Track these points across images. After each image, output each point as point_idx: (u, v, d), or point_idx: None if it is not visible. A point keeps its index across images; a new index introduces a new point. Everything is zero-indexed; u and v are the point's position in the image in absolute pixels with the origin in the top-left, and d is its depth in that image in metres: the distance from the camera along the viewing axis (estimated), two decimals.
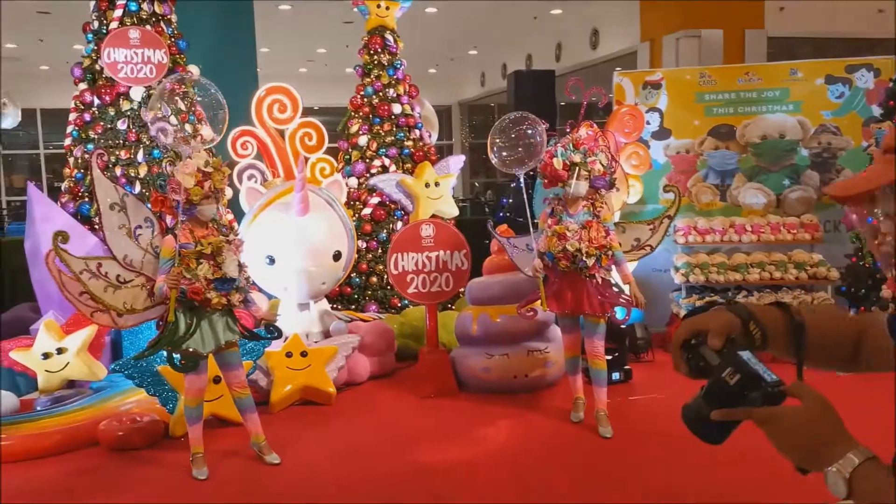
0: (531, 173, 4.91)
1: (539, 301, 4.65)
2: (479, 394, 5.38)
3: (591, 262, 4.47)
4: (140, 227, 4.13)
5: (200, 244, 3.91)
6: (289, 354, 5.22)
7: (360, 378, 5.70)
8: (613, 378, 5.44)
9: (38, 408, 5.12)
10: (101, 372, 5.34)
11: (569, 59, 14.40)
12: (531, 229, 4.80)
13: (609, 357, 5.28)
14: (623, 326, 5.53)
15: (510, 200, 7.26)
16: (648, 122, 6.88)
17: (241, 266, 4.03)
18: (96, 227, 6.11)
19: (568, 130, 4.69)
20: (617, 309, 4.63)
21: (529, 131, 4.78)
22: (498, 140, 4.82)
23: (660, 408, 4.99)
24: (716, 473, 3.89)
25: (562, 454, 4.31)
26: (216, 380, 4.70)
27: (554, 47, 14.79)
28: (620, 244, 4.69)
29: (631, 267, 5.22)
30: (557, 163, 4.51)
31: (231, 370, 4.23)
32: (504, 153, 4.82)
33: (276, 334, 4.33)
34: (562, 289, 4.59)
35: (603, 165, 4.51)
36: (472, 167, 20.35)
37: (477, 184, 20.60)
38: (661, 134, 7.07)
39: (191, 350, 3.97)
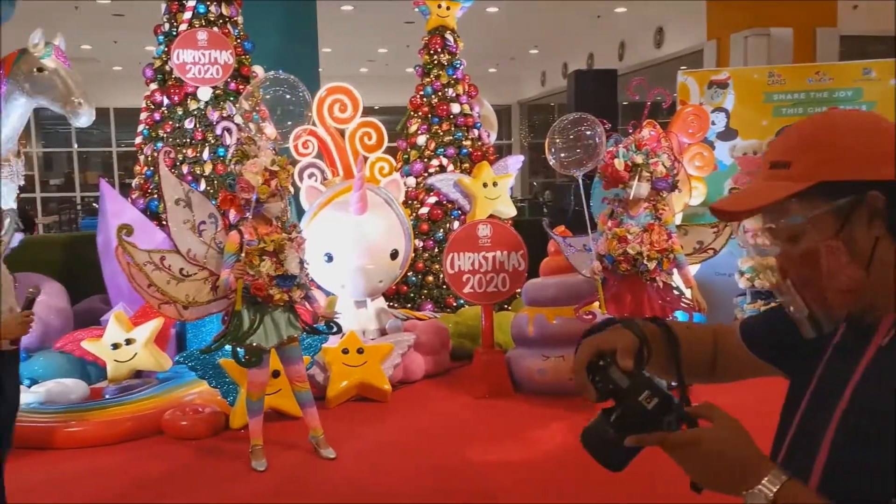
0: (589, 174, 4.87)
1: (597, 303, 4.61)
2: (533, 395, 5.35)
3: (652, 265, 4.41)
4: (204, 222, 4.24)
5: (264, 241, 4.00)
6: (345, 351, 5.29)
7: (415, 376, 5.73)
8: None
9: (107, 396, 5.32)
10: (167, 363, 5.51)
11: (632, 59, 14.19)
12: (589, 230, 4.76)
13: None
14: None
15: (572, 200, 7.20)
16: (714, 123, 6.74)
17: (302, 263, 4.10)
18: (164, 222, 6.30)
19: (630, 131, 4.63)
20: (677, 314, 4.56)
21: (588, 132, 4.74)
22: (557, 140, 4.80)
23: None
24: None
25: None
26: (275, 374, 4.79)
27: (617, 46, 14.59)
28: (682, 247, 4.61)
29: (693, 270, 5.14)
30: (619, 164, 4.46)
31: (292, 364, 4.31)
32: (562, 154, 4.80)
33: (335, 329, 4.40)
34: (621, 292, 4.55)
35: (665, 167, 4.44)
36: (531, 167, 20.24)
37: (535, 184, 20.47)
38: (727, 134, 6.91)
39: (254, 345, 4.06)
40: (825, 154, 1.01)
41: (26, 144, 17.52)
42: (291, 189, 4.18)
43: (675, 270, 4.64)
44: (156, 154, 6.76)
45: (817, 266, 1.02)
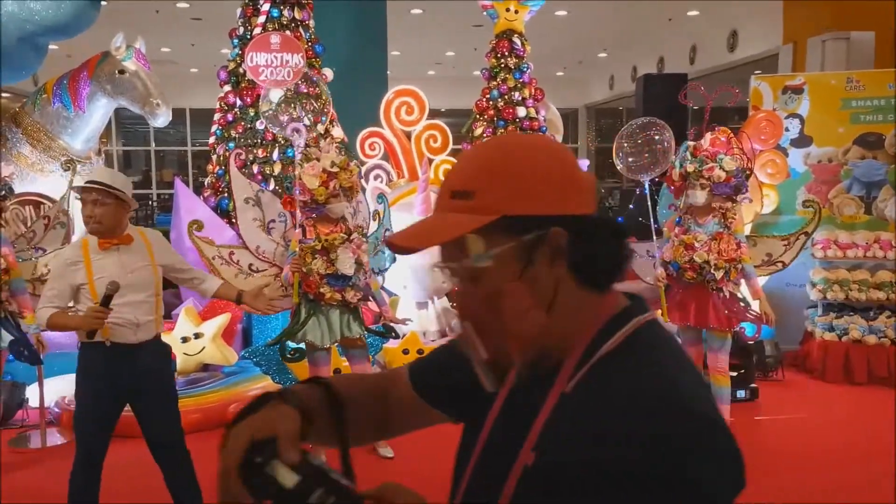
0: (657, 179, 4.79)
1: (660, 312, 4.53)
2: None
3: (719, 274, 4.32)
4: (274, 221, 4.35)
5: (318, 240, 4.06)
6: (406, 352, 5.33)
7: None
8: (738, 396, 5.20)
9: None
10: (233, 357, 5.66)
11: (704, 62, 13.89)
12: (654, 236, 4.68)
13: (734, 374, 5.09)
14: (750, 343, 5.30)
15: (633, 206, 7.09)
16: (787, 129, 6.54)
17: (360, 264, 4.11)
18: (234, 220, 6.48)
19: (690, 138, 4.55)
20: (745, 326, 4.45)
21: (657, 137, 4.67)
22: (625, 145, 4.74)
23: (788, 429, 4.73)
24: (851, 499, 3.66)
25: None
26: (336, 372, 4.88)
27: (688, 50, 14.30)
28: (751, 258, 4.49)
29: (762, 281, 5.00)
30: (675, 173, 4.43)
31: (355, 364, 4.39)
32: (630, 158, 4.74)
33: (392, 334, 4.41)
34: (686, 300, 4.46)
35: (726, 171, 4.33)
36: (597, 171, 20.00)
37: (602, 189, 20.24)
38: (802, 141, 6.70)
39: (306, 340, 4.14)
40: (508, 185, 0.90)
41: (107, 143, 18.24)
42: (359, 189, 4.20)
43: (742, 281, 4.52)
44: (228, 154, 6.97)
45: (498, 309, 0.91)
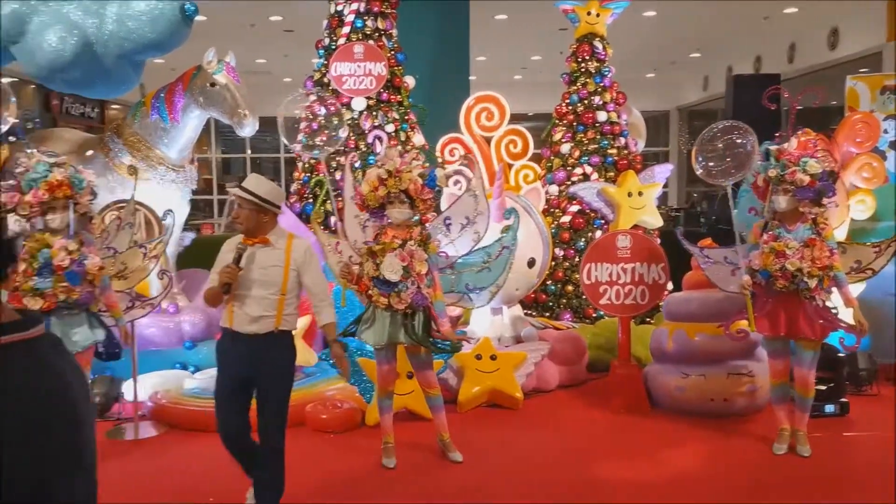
0: (739, 183, 4.66)
1: (745, 322, 4.39)
2: (671, 414, 5.18)
3: (812, 283, 4.16)
4: (369, 220, 4.46)
5: (377, 243, 4.15)
6: (478, 357, 5.36)
7: (549, 386, 5.71)
8: (826, 410, 4.99)
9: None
10: (313, 358, 5.82)
11: (803, 61, 13.33)
12: (738, 240, 4.55)
13: (822, 387, 4.90)
14: (841, 355, 5.07)
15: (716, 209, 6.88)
16: (885, 132, 6.22)
17: (409, 272, 4.06)
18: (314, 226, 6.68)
19: (776, 142, 4.39)
20: (844, 336, 4.28)
21: (739, 140, 4.54)
22: (705, 149, 4.63)
23: (879, 447, 4.50)
24: None
25: (756, 486, 4.04)
26: (409, 375, 4.96)
27: (786, 48, 13.75)
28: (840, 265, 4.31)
29: (856, 290, 4.80)
30: (759, 177, 4.30)
31: (419, 370, 4.44)
32: (710, 163, 4.62)
33: (449, 348, 4.40)
34: (776, 310, 4.31)
35: (810, 174, 4.15)
36: (689, 176, 19.47)
37: (696, 194, 19.67)
38: None
39: (362, 338, 4.25)
40: None
41: (207, 150, 18.92)
42: (422, 196, 4.21)
43: (833, 289, 4.34)
44: (313, 161, 7.21)
45: None
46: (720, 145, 4.59)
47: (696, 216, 14.39)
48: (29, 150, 4.03)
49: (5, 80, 4.76)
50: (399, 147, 6.85)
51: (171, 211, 4.85)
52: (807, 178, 4.18)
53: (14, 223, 4.13)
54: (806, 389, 4.42)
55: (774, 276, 4.21)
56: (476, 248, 4.58)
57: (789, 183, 4.21)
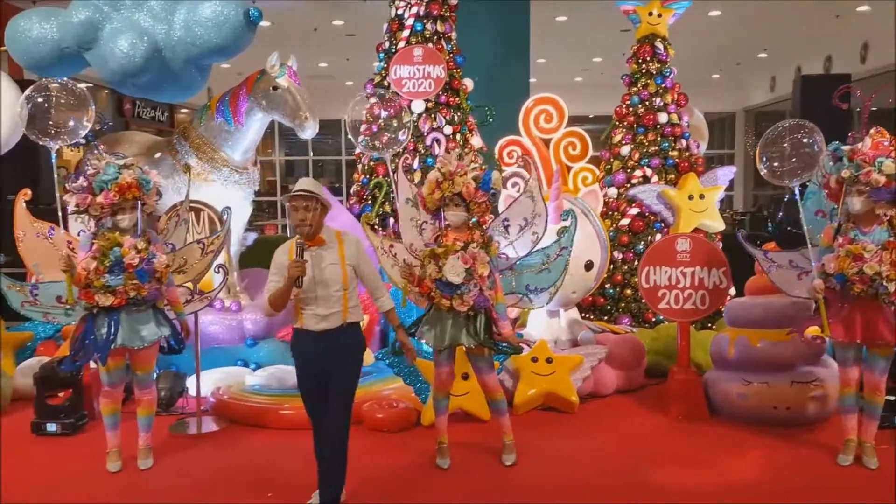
0: (805, 184, 4.54)
1: (818, 328, 4.24)
2: (732, 421, 5.05)
3: (892, 287, 4.00)
4: (426, 222, 4.51)
5: (439, 245, 4.19)
6: (534, 359, 5.34)
7: (606, 390, 5.65)
8: None
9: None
10: (369, 358, 5.88)
11: (876, 61, 12.84)
12: (809, 244, 4.42)
13: (892, 398, 4.73)
14: None
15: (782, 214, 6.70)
16: None
17: (471, 274, 4.07)
18: (375, 226, 6.78)
19: (849, 142, 4.25)
20: None
21: (806, 140, 4.43)
22: (769, 149, 4.53)
23: None
24: None
25: (818, 497, 3.91)
26: (464, 376, 4.98)
27: (859, 48, 13.28)
28: None
29: None
30: (831, 179, 4.15)
31: (480, 373, 4.43)
32: (775, 163, 4.51)
33: (510, 350, 4.41)
34: (851, 315, 4.17)
35: (886, 175, 4.01)
36: (756, 178, 18.98)
37: (762, 197, 19.18)
38: None
39: (423, 339, 4.28)
40: None
41: (271, 152, 19.36)
42: (477, 199, 4.22)
43: None
44: (372, 163, 7.31)
45: None
46: (785, 145, 4.49)
47: (763, 220, 14.03)
48: (98, 152, 4.18)
49: (81, 85, 4.95)
50: (458, 150, 6.88)
51: (228, 208, 4.97)
52: (882, 179, 4.04)
53: (77, 222, 4.33)
54: (876, 396, 4.30)
55: (851, 281, 4.07)
56: (535, 249, 4.56)
57: (864, 184, 4.08)
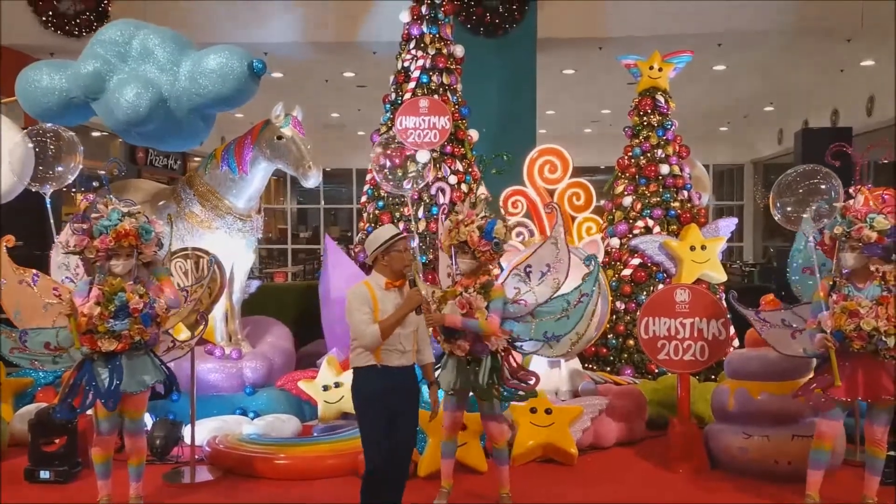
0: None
1: (831, 379, 4.16)
2: (733, 475, 4.96)
3: (891, 342, 3.99)
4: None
5: (446, 290, 4.32)
6: (533, 410, 5.28)
7: (606, 442, 5.56)
8: None
9: (315, 434, 5.77)
10: None
11: (883, 114, 12.90)
12: (800, 301, 4.40)
13: (894, 453, 4.64)
14: None
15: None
16: None
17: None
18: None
19: (840, 200, 4.26)
20: None
21: (823, 186, 4.43)
22: (784, 196, 4.54)
23: None
24: None
25: None
26: (462, 427, 4.92)
27: (865, 101, 13.37)
28: None
29: None
30: (826, 235, 4.16)
31: (484, 419, 4.45)
32: (789, 208, 4.52)
33: (516, 397, 4.42)
34: (853, 372, 4.13)
35: (878, 230, 4.01)
36: (766, 230, 18.96)
37: (772, 248, 19.10)
38: None
39: (437, 380, 4.26)
40: None
41: (283, 200, 19.52)
42: (476, 246, 4.28)
43: None
44: (377, 212, 7.38)
45: None
46: (800, 191, 4.50)
47: (772, 272, 13.95)
48: (108, 197, 4.24)
49: (95, 134, 5.06)
50: (472, 198, 6.97)
51: (214, 257, 5.01)
52: (874, 235, 4.05)
53: (61, 269, 4.38)
54: (878, 451, 4.24)
55: (850, 337, 4.04)
56: (556, 295, 4.54)
57: (856, 240, 4.08)
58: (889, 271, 4.13)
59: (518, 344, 4.46)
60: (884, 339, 3.98)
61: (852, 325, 4.02)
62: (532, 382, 4.41)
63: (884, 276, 4.12)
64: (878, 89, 13.03)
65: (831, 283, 4.23)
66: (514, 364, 4.40)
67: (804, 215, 4.37)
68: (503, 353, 4.33)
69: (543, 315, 4.50)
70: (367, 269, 6.93)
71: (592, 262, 4.59)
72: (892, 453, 4.58)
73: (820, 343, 4.16)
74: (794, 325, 4.48)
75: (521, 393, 4.40)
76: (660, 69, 7.08)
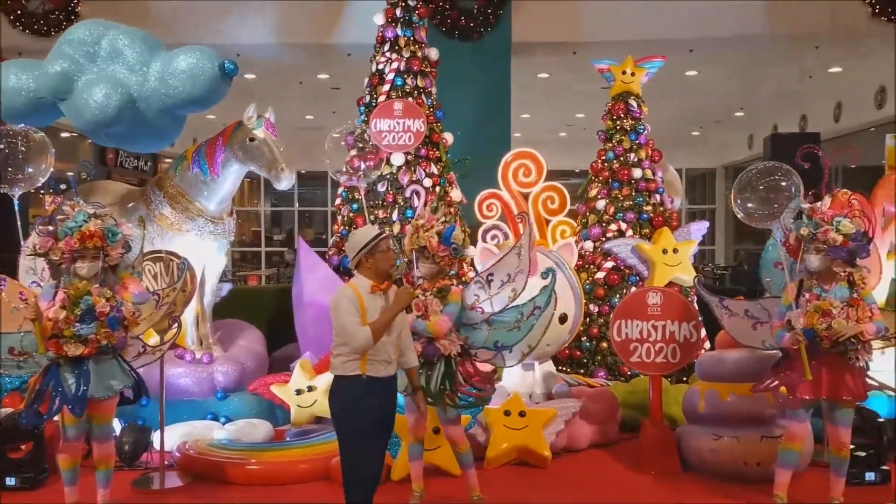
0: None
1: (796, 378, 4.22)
2: (704, 476, 5.01)
3: (859, 344, 4.06)
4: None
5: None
6: (507, 413, 5.29)
7: (580, 444, 5.59)
8: (867, 479, 4.77)
9: (288, 438, 5.72)
10: None
11: (850, 120, 13.17)
12: (768, 293, 4.46)
13: (862, 454, 4.73)
14: (882, 420, 4.89)
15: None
16: None
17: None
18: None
19: (808, 200, 4.32)
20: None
21: (783, 182, 4.51)
22: (745, 192, 4.62)
23: None
24: None
25: None
26: (435, 430, 4.91)
27: (833, 107, 13.62)
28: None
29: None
30: (791, 235, 4.21)
31: (443, 424, 4.43)
32: (750, 205, 4.57)
33: (469, 403, 4.41)
34: (818, 372, 4.18)
35: (843, 234, 4.07)
36: (737, 233, 19.21)
37: (743, 252, 19.35)
38: None
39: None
40: None
41: (257, 203, 19.35)
42: (435, 252, 4.30)
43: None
44: (352, 215, 7.34)
45: None
46: (761, 187, 4.56)
47: (743, 274, 14.14)
48: (75, 199, 4.17)
49: (64, 135, 4.98)
50: (433, 203, 6.95)
51: (185, 260, 4.94)
52: (840, 238, 4.10)
53: (28, 273, 4.31)
54: (842, 452, 4.29)
55: (820, 336, 4.09)
56: (510, 305, 4.54)
57: (822, 242, 4.13)
58: (853, 273, 4.19)
59: (473, 351, 4.47)
60: (852, 340, 4.04)
61: (824, 325, 4.07)
62: (486, 390, 4.40)
63: (850, 279, 4.18)
64: (844, 96, 13.28)
65: (799, 283, 4.28)
66: (471, 370, 4.38)
67: (785, 211, 4.41)
68: (459, 359, 4.33)
69: (497, 324, 4.52)
70: (343, 272, 6.92)
71: (550, 276, 4.60)
72: (860, 453, 4.66)
73: (791, 339, 4.19)
74: (757, 317, 4.52)
75: (471, 399, 4.38)
76: (633, 74, 7.14)
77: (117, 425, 5.14)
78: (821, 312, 4.09)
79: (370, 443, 3.69)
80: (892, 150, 6.33)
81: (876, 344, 4.32)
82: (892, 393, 4.37)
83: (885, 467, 4.86)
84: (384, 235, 3.76)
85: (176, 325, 4.66)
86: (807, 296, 4.20)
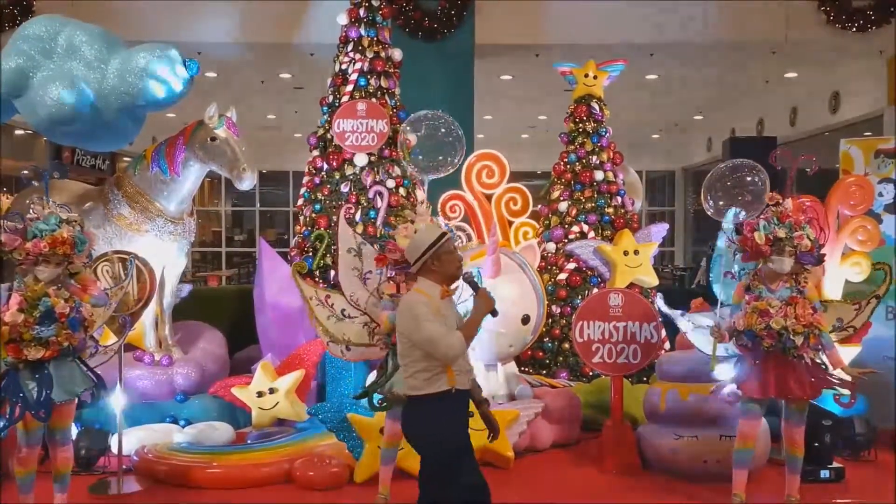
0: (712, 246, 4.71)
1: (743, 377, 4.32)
2: (664, 476, 5.08)
3: (799, 340, 4.13)
4: (371, 272, 4.52)
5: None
6: (470, 414, 5.28)
7: (542, 445, 5.63)
8: (822, 476, 4.89)
9: (249, 441, 5.66)
10: (303, 413, 5.78)
11: (805, 124, 13.49)
12: (719, 304, 4.54)
13: (814, 449, 4.85)
14: (828, 422, 5.01)
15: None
16: (881, 195, 6.23)
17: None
18: (317, 278, 6.70)
19: (771, 203, 4.40)
20: (839, 393, 4.25)
21: (749, 178, 4.64)
22: (714, 189, 4.72)
23: None
24: None
25: None
26: None
27: (788, 111, 13.93)
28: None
29: (850, 354, 4.82)
30: (759, 237, 4.24)
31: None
32: (721, 202, 4.66)
33: (377, 404, 4.43)
34: (765, 370, 4.27)
35: (811, 239, 4.19)
36: (697, 235, 19.53)
37: (703, 254, 19.70)
38: None
39: (393, 391, 4.19)
40: None
41: (218, 202, 19.10)
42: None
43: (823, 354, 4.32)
44: (314, 215, 7.28)
45: None
46: (728, 184, 4.66)
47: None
48: (43, 199, 4.07)
49: (19, 132, 4.86)
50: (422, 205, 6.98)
51: (133, 258, 4.83)
52: (810, 244, 4.21)
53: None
54: (796, 450, 4.39)
55: (760, 336, 4.19)
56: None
57: (794, 246, 4.22)
58: (799, 272, 4.28)
59: None
60: (792, 337, 4.11)
61: (762, 325, 4.15)
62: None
63: (795, 279, 4.28)
64: (800, 100, 13.59)
65: (746, 285, 4.37)
66: None
67: (724, 219, 4.52)
68: None
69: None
70: (307, 273, 6.86)
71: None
72: (815, 444, 4.79)
73: (711, 331, 4.36)
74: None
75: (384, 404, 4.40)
76: (595, 77, 7.21)
77: (73, 429, 5.03)
78: (759, 312, 4.17)
79: (467, 458, 3.42)
80: (847, 154, 6.48)
81: (834, 336, 4.45)
82: (845, 391, 4.45)
83: (838, 465, 5.00)
84: (448, 235, 3.43)
85: (128, 326, 4.58)
86: (748, 297, 4.29)
